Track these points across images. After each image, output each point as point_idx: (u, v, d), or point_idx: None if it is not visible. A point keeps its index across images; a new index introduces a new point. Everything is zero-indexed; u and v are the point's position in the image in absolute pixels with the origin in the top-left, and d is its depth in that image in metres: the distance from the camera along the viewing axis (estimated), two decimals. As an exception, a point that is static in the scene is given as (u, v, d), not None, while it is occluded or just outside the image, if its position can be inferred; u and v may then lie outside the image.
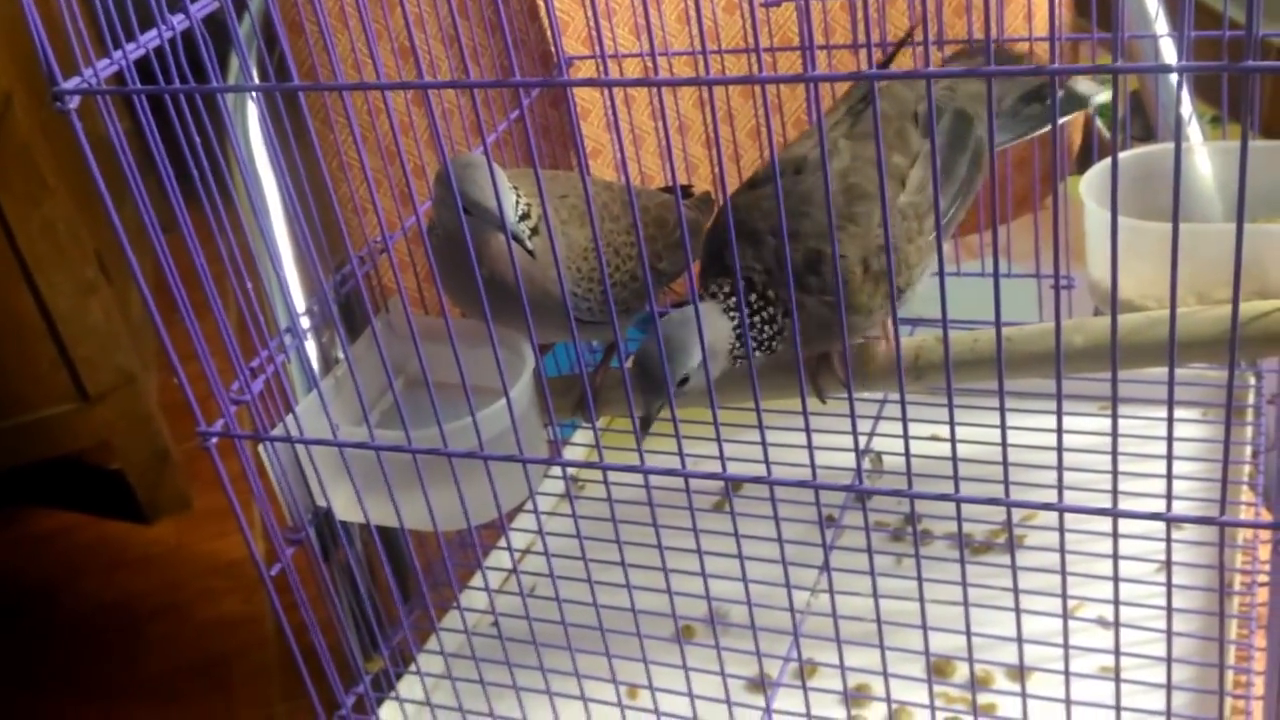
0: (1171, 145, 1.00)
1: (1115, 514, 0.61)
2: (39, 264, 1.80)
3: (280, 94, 0.68)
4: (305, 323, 0.82)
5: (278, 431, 0.76)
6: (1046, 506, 0.60)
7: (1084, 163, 1.10)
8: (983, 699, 0.83)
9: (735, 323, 0.74)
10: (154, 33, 0.63)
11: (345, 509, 0.81)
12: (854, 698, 0.83)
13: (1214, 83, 1.00)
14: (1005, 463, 0.60)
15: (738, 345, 0.74)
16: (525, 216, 0.78)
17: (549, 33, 1.04)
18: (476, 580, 0.98)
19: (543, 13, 1.03)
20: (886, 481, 0.96)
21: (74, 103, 0.61)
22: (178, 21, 0.64)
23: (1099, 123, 1.15)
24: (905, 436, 0.62)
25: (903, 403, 0.63)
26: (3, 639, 1.91)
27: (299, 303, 0.85)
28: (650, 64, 1.06)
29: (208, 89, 0.62)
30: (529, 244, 0.76)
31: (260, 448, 0.76)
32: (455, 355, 0.71)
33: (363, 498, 0.77)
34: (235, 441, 0.73)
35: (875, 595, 0.68)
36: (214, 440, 0.71)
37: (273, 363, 0.77)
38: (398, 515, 0.77)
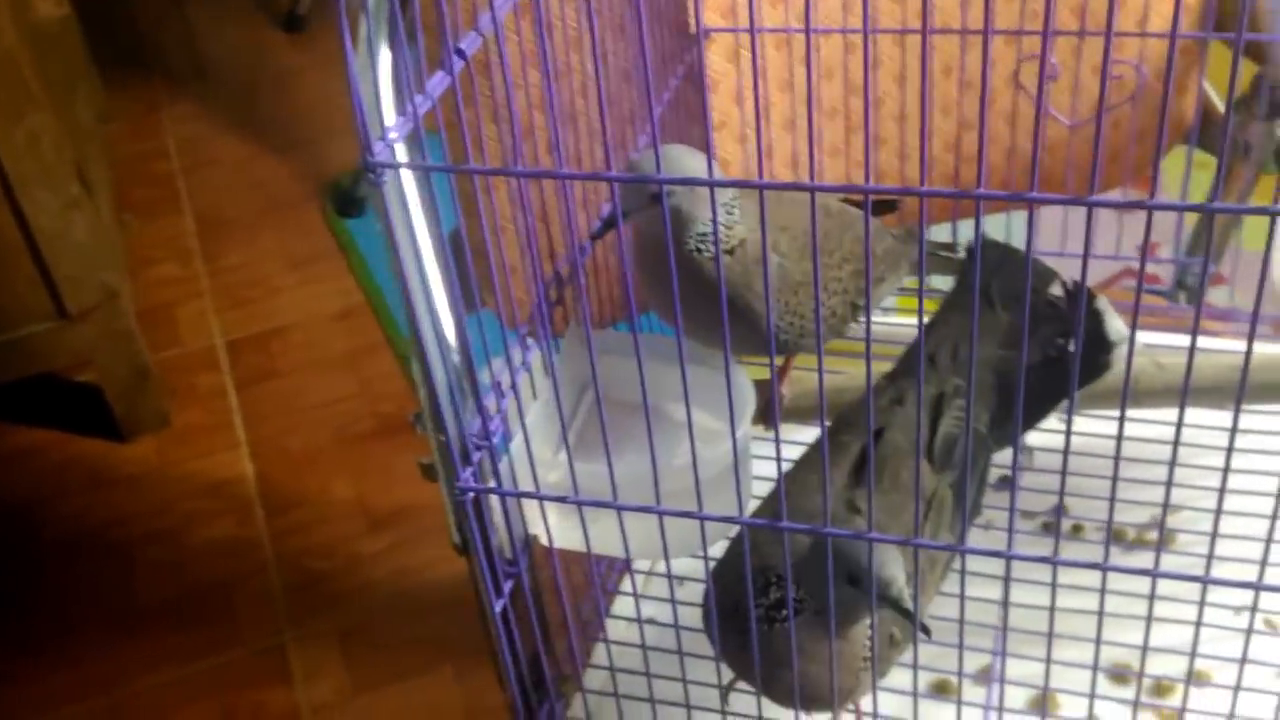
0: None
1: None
2: (22, 180, 1.69)
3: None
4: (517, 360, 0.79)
5: (503, 468, 0.73)
6: (1245, 585, 0.61)
7: (1203, 136, 1.10)
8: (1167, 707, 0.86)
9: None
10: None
11: (562, 537, 0.79)
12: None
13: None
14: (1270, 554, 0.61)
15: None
16: (730, 251, 0.81)
17: (689, 3, 0.99)
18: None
19: (683, -16, 0.98)
20: (1034, 479, 0.98)
21: (386, 177, 0.56)
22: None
23: (1212, 93, 1.14)
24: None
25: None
26: (-13, 562, 1.84)
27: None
28: (790, 38, 1.02)
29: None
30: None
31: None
32: (684, 382, 0.68)
33: (587, 528, 0.76)
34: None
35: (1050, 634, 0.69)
36: (470, 495, 0.68)
37: (506, 397, 0.74)
38: (625, 546, 0.76)
